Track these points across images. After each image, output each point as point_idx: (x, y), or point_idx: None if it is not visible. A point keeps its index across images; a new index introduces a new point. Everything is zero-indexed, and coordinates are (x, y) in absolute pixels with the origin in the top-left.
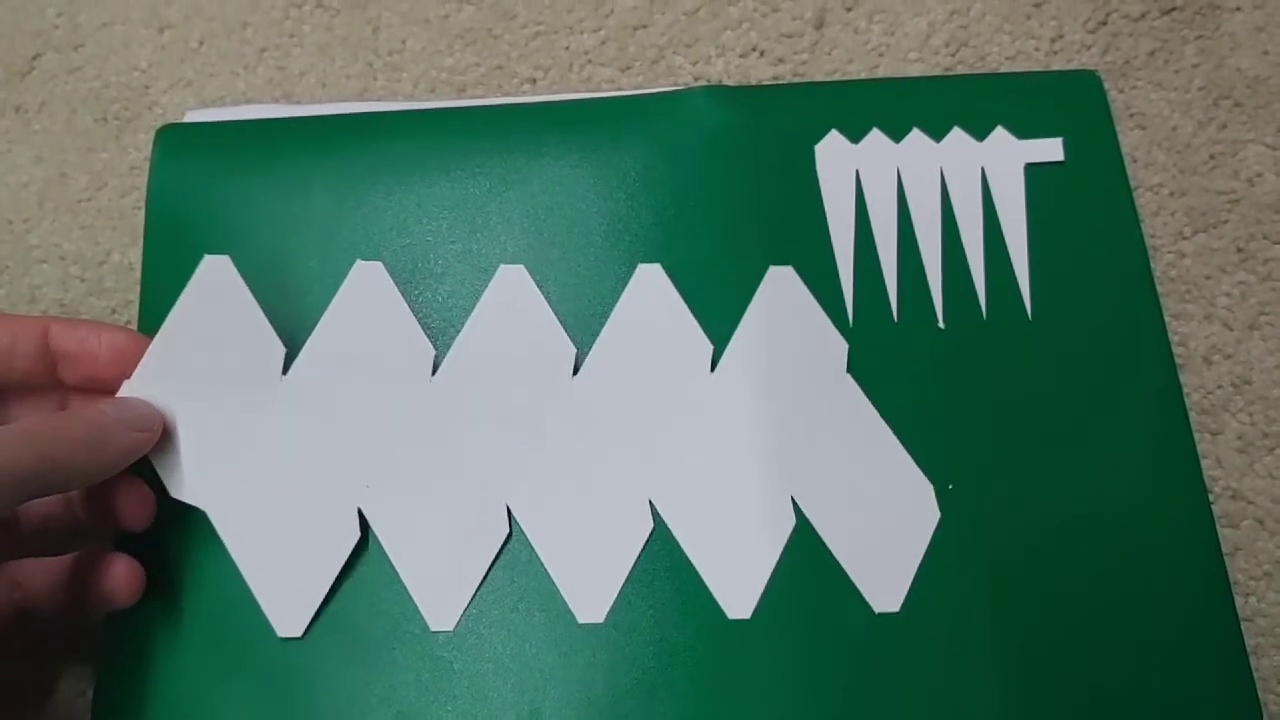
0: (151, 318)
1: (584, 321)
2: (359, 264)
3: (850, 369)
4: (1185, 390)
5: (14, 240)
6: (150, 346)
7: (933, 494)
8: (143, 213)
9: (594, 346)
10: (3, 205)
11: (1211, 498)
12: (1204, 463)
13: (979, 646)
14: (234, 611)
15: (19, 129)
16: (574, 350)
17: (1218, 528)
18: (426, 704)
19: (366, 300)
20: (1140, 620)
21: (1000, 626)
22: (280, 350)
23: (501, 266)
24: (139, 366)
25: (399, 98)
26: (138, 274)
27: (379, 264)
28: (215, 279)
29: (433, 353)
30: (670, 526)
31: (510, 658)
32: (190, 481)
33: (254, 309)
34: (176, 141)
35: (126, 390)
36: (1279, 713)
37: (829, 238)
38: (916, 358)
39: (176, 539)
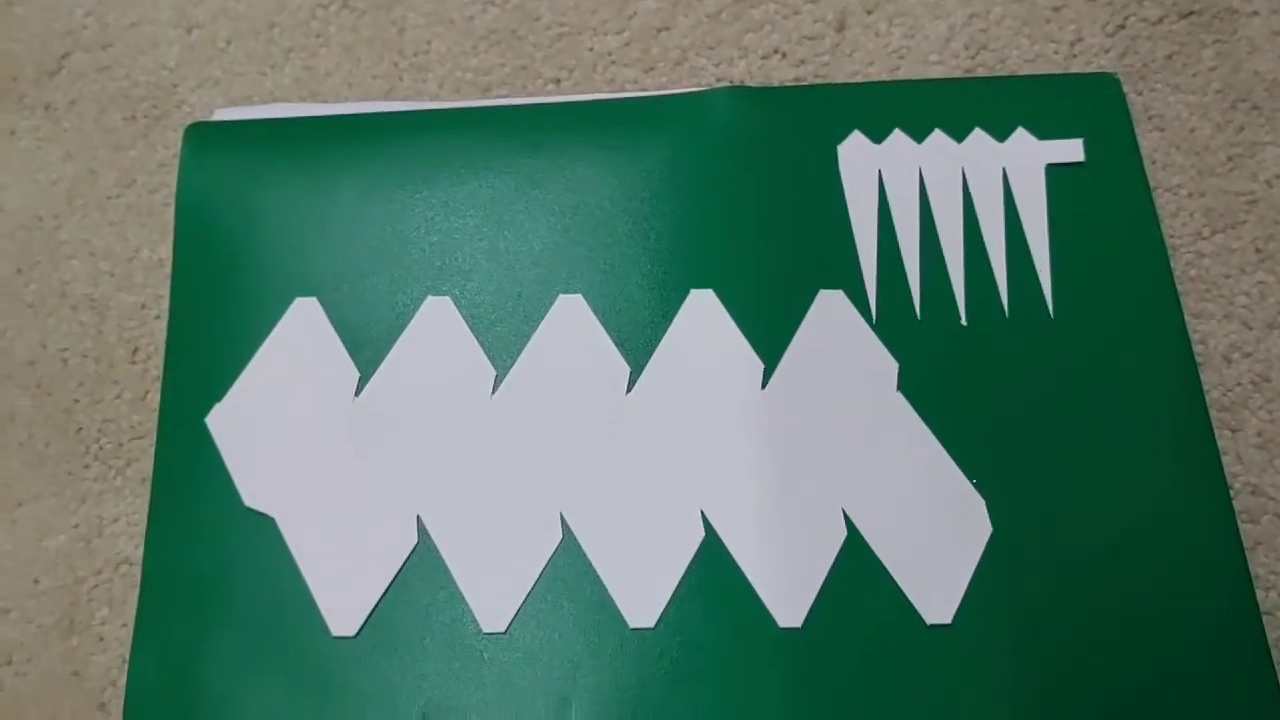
0: (181, 312)
1: (612, 320)
2: (430, 299)
3: (900, 386)
4: (1205, 388)
5: (44, 236)
6: (242, 375)
7: (984, 508)
8: (171, 209)
9: (648, 366)
10: (33, 202)
11: (1232, 493)
12: (1224, 459)
13: (1028, 656)
14: (270, 607)
15: (49, 127)
16: (628, 369)
17: (1239, 523)
18: (456, 694)
19: (435, 330)
20: (1162, 615)
21: (1040, 632)
22: (354, 375)
23: (560, 296)
24: (229, 392)
25: (424, 97)
26: (167, 270)
27: (447, 299)
28: (303, 317)
29: (493, 374)
30: (722, 536)
31: (543, 650)
32: (264, 492)
33: (334, 342)
34: (205, 139)
35: (217, 414)
36: None
37: (852, 237)
38: (939, 355)
39: (221, 545)
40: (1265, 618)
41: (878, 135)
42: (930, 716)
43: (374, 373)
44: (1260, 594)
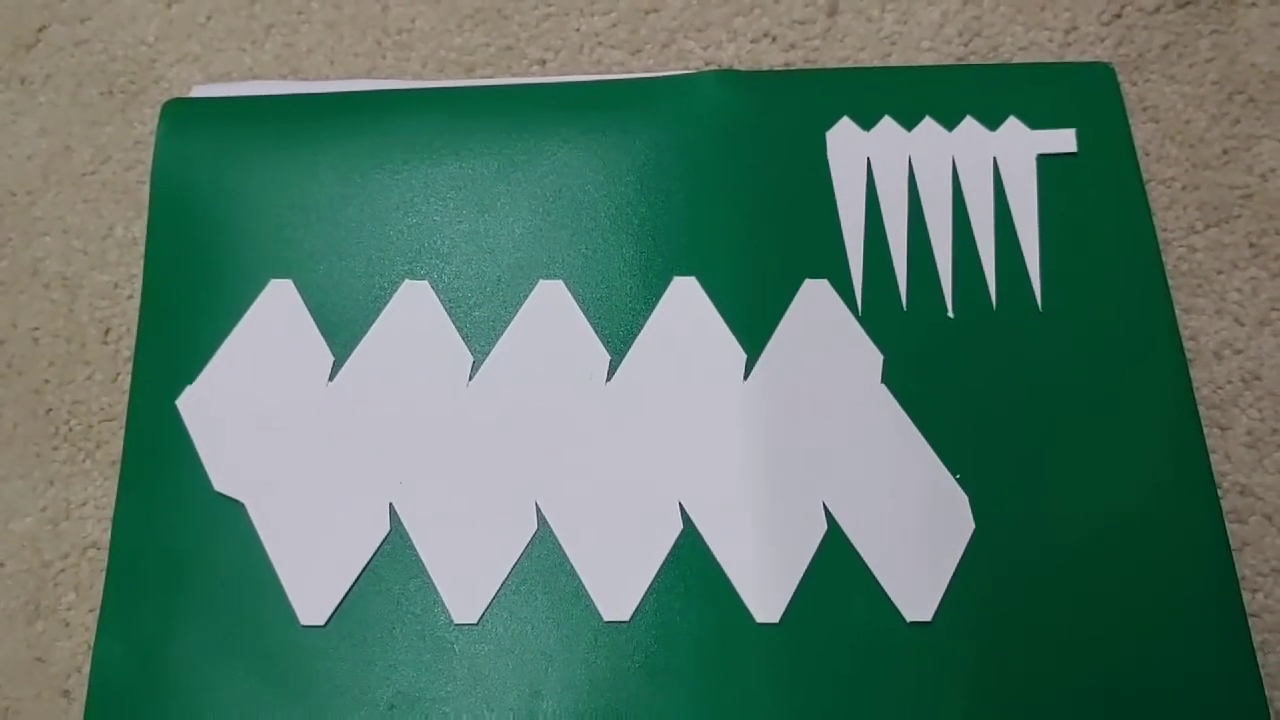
0: (154, 292)
1: (593, 307)
2: (407, 283)
3: (885, 379)
4: (1195, 385)
5: (17, 213)
6: (214, 357)
7: (967, 504)
8: (147, 187)
9: (628, 354)
10: (7, 177)
11: (1220, 493)
12: (1213, 458)
13: (1010, 656)
14: (238, 595)
15: (24, 101)
16: (608, 357)
17: (1226, 523)
18: (426, 685)
19: (411, 315)
20: (1147, 616)
21: (1023, 631)
22: (328, 359)
23: (540, 282)
24: (201, 375)
25: (407, 76)
26: (141, 249)
27: (425, 283)
28: (278, 299)
29: (471, 360)
30: (700, 529)
31: (515, 642)
32: (234, 477)
33: (309, 325)
34: (182, 116)
35: (188, 397)
36: None
37: (839, 225)
38: (925, 347)
39: (190, 530)
40: (1251, 620)
41: (867, 122)
42: (909, 716)
43: (349, 357)
44: (1246, 596)
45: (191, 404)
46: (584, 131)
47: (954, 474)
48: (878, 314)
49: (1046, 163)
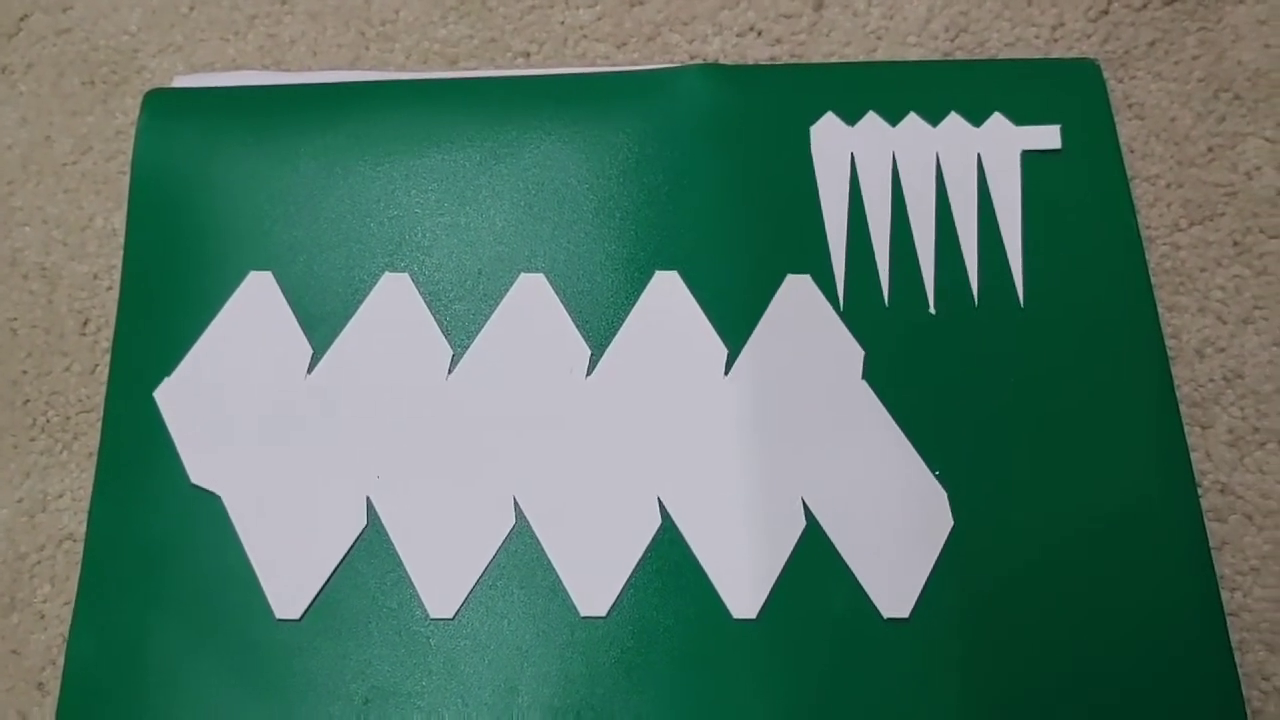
0: (133, 284)
1: (574, 301)
2: (387, 275)
3: (865, 375)
4: (1176, 383)
5: None
6: (192, 349)
7: (946, 501)
8: (128, 178)
9: (608, 349)
10: None
11: (1200, 492)
12: (1193, 456)
13: (986, 653)
14: (214, 588)
15: (5, 90)
16: (588, 352)
17: (1205, 522)
18: (401, 679)
19: (391, 308)
20: (1126, 613)
21: (1000, 628)
22: (307, 351)
23: (522, 275)
24: (179, 367)
25: (390, 68)
26: (121, 239)
27: (405, 275)
28: (257, 291)
29: (450, 353)
30: (678, 524)
31: (491, 637)
32: (211, 469)
33: (288, 317)
34: (164, 106)
35: (165, 388)
36: (1262, 708)
37: (822, 221)
38: (906, 343)
39: (167, 523)
40: (1230, 619)
41: (851, 117)
42: (884, 712)
43: (327, 350)
44: (1225, 595)
45: (169, 396)
46: (567, 125)
47: (933, 470)
48: (859, 310)
49: (1031, 159)
